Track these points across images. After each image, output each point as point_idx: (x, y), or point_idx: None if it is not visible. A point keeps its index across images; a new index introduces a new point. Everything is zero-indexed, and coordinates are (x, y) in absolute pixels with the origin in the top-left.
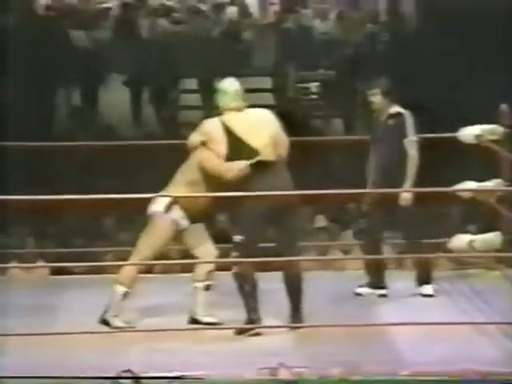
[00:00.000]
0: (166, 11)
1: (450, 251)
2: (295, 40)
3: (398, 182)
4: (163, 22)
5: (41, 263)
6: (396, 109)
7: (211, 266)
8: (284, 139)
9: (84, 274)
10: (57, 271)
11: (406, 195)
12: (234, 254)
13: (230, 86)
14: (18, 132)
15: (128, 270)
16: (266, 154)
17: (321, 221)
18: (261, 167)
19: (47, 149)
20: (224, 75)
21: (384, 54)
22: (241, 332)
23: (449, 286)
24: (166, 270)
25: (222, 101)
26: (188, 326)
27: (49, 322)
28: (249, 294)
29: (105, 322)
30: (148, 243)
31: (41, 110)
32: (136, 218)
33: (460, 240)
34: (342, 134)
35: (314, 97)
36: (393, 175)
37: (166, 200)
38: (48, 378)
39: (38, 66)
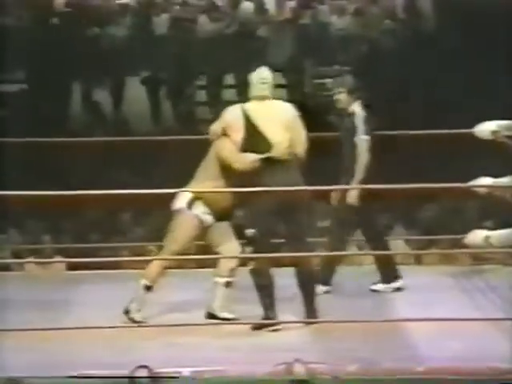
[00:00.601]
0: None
1: (466, 247)
2: (312, 36)
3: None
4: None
5: (58, 259)
6: (353, 107)
7: (234, 263)
8: (302, 136)
9: (100, 270)
10: (73, 266)
11: (352, 193)
12: (249, 248)
13: (257, 74)
14: (34, 128)
15: (154, 266)
16: (279, 151)
17: None
18: (272, 163)
19: (64, 144)
20: (237, 72)
21: (401, 51)
22: (257, 328)
23: (465, 282)
24: (181, 266)
25: (250, 89)
26: (204, 321)
27: (65, 316)
28: (265, 289)
29: (128, 314)
30: (173, 239)
31: (58, 106)
32: (153, 213)
33: (476, 235)
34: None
35: (330, 93)
36: (352, 173)
37: (189, 196)
38: (64, 378)
39: (56, 63)
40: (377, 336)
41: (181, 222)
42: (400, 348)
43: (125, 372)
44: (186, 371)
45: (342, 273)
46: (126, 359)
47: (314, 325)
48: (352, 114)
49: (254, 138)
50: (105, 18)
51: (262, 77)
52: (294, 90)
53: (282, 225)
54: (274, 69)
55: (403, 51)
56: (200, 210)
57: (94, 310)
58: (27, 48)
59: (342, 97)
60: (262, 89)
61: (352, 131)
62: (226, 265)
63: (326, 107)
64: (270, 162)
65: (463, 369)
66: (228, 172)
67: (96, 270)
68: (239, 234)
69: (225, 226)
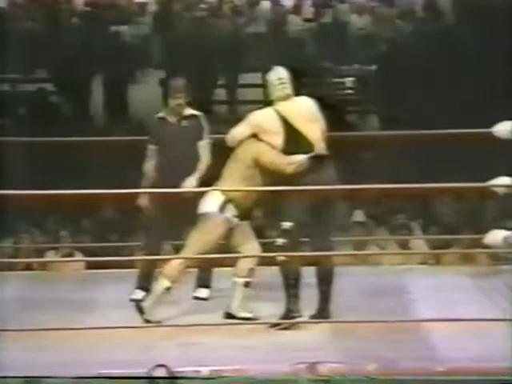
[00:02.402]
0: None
1: (486, 247)
2: (332, 35)
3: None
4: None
5: (77, 257)
6: (191, 111)
7: (253, 264)
8: (324, 131)
9: (118, 269)
10: (93, 265)
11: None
12: (281, 240)
13: (274, 74)
14: (53, 127)
15: (175, 265)
16: (320, 148)
17: (359, 215)
18: (314, 162)
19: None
20: (256, 71)
21: (419, 49)
22: (275, 326)
23: (484, 282)
24: (201, 266)
25: (270, 90)
26: (221, 321)
27: (84, 316)
28: (291, 285)
29: (140, 310)
30: (200, 241)
31: (78, 105)
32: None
33: (495, 235)
34: (377, 129)
35: (349, 91)
36: (187, 175)
37: (221, 199)
38: (82, 377)
39: (77, 62)
40: (396, 336)
41: (211, 225)
42: (419, 348)
43: (143, 371)
44: (204, 370)
45: (361, 272)
46: (144, 358)
47: (333, 324)
48: (190, 118)
49: (294, 139)
50: (124, 17)
51: (279, 77)
52: (312, 89)
53: (313, 220)
54: (294, 68)
55: (422, 49)
56: (231, 212)
57: (112, 310)
58: (46, 48)
59: (182, 101)
60: (283, 88)
61: (193, 134)
62: (245, 265)
63: (345, 106)
64: (313, 160)
65: (483, 369)
66: (266, 174)
67: (114, 268)
68: (260, 234)
69: (246, 225)
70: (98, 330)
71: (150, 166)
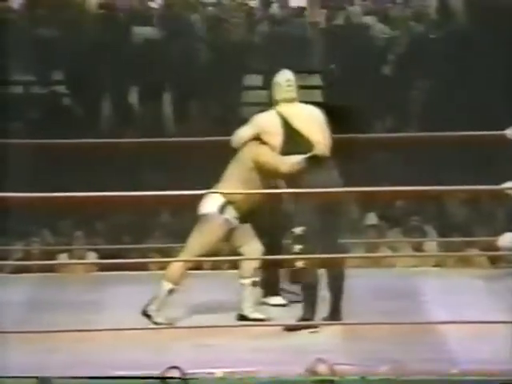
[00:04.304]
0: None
1: (498, 249)
2: (344, 37)
3: None
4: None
5: (90, 260)
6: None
7: (257, 263)
8: (329, 137)
9: (129, 271)
10: (104, 267)
11: None
12: (298, 247)
13: (282, 76)
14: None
15: (176, 267)
16: (322, 149)
17: (372, 218)
18: (315, 162)
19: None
20: (268, 73)
21: (434, 52)
22: (291, 329)
23: (496, 284)
24: (198, 267)
25: (276, 92)
26: (233, 323)
27: (96, 318)
28: (309, 289)
29: (146, 315)
30: (199, 242)
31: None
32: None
33: (508, 238)
34: (391, 131)
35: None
36: None
37: (220, 200)
38: (94, 379)
39: (91, 65)
40: (406, 338)
41: (210, 226)
42: (429, 350)
43: (156, 373)
44: (217, 372)
45: (373, 274)
46: (157, 360)
47: (345, 326)
48: None
49: (293, 140)
50: (138, 19)
51: (287, 79)
52: (327, 91)
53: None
54: (307, 70)
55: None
56: (230, 214)
57: (124, 311)
58: (59, 50)
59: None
60: (289, 91)
61: None
62: (249, 265)
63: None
64: (312, 162)
65: (492, 371)
66: (267, 177)
67: (125, 271)
68: (282, 233)
69: (247, 227)
70: (110, 331)
71: None
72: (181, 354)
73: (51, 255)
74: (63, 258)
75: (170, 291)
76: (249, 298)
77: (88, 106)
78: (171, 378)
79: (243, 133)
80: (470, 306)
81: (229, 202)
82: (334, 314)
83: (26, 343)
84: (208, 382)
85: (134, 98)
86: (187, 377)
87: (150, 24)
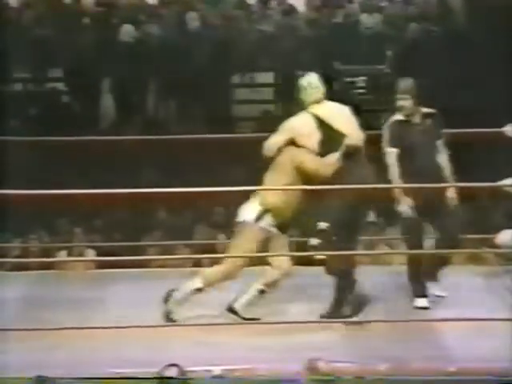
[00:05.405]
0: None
1: (497, 246)
2: (342, 34)
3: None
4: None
5: (88, 257)
6: (427, 109)
7: (280, 276)
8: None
9: (129, 268)
10: (104, 265)
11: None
12: (316, 240)
13: (311, 79)
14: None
15: (215, 271)
16: (355, 138)
17: (370, 215)
18: (349, 156)
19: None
20: (269, 70)
21: (433, 50)
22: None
23: (494, 282)
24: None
25: (304, 95)
26: (235, 321)
27: (96, 315)
28: (340, 288)
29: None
30: (238, 251)
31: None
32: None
33: (506, 235)
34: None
35: (360, 91)
36: (435, 176)
37: (258, 208)
38: (93, 377)
39: (88, 62)
40: (407, 336)
41: (248, 234)
42: (430, 348)
43: (155, 370)
44: (216, 370)
45: (372, 272)
46: (156, 357)
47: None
48: (430, 116)
49: (329, 138)
50: (136, 17)
51: (312, 82)
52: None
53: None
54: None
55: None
56: (267, 222)
57: (123, 309)
58: (59, 48)
59: (407, 103)
60: (316, 93)
61: (432, 134)
62: (271, 276)
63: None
64: (348, 154)
65: (493, 369)
66: (307, 181)
67: (125, 268)
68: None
69: (284, 238)
70: (110, 329)
71: (395, 170)
72: (180, 352)
73: (50, 252)
74: (62, 256)
75: (197, 290)
76: (248, 298)
77: (87, 104)
78: (170, 378)
79: (276, 139)
80: (468, 303)
81: (267, 210)
82: (335, 312)
83: (25, 340)
84: (207, 380)
85: (135, 95)
86: (186, 376)
87: (148, 21)
